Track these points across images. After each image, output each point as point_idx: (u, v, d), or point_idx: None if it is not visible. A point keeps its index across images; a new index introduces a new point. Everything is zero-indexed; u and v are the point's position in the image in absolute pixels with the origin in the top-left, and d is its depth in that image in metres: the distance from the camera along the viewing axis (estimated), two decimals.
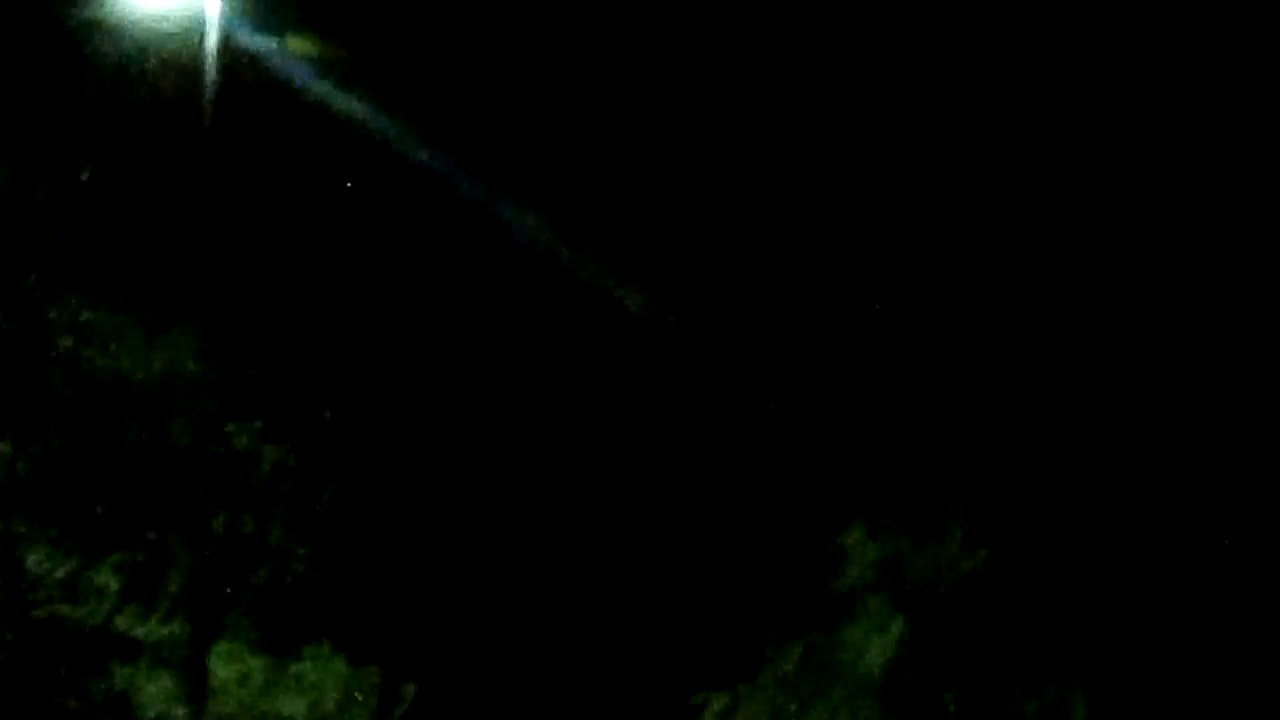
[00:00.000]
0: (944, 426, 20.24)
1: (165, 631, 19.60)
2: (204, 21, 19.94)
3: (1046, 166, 21.65)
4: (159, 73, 21.41)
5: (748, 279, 21.27)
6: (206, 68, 20.03)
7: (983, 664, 20.07)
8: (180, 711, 19.34)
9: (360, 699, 19.39)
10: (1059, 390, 20.80)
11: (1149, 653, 20.54)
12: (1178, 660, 20.24)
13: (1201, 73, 21.40)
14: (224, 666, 19.68)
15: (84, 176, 19.95)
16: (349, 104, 22.09)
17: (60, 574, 19.37)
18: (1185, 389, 20.79)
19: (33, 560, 19.30)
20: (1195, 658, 20.25)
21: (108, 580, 19.58)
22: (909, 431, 19.96)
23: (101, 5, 21.00)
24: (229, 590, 19.26)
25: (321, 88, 22.23)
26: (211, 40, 20.09)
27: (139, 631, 19.52)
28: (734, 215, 21.62)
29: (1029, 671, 19.95)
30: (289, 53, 22.27)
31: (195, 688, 19.60)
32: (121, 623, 19.57)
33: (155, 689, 19.53)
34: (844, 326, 20.88)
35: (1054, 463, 20.79)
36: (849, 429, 19.92)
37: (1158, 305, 20.94)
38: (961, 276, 21.16)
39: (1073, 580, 20.63)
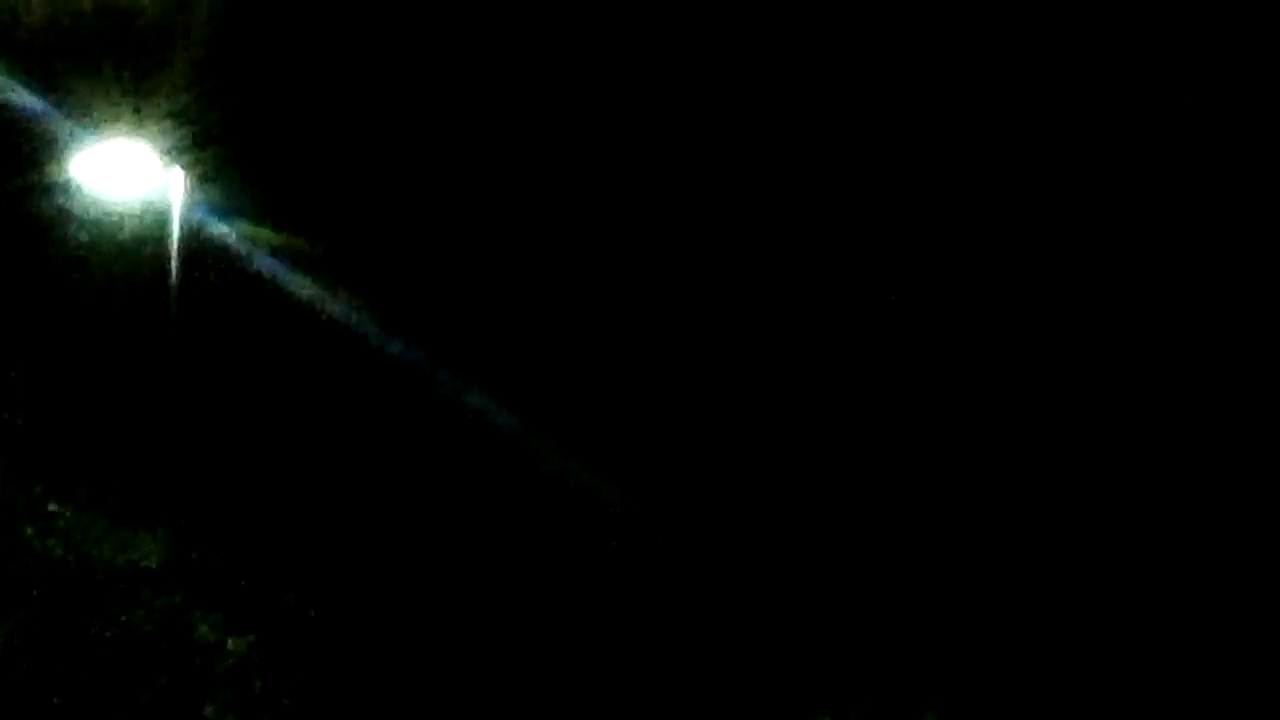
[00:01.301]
0: (917, 615, 20.41)
1: None
2: (167, 212, 20.41)
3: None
4: (124, 263, 21.82)
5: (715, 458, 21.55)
6: (171, 257, 20.43)
7: None
8: None
9: None
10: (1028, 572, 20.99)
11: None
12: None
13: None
14: None
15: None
16: (312, 291, 22.49)
17: None
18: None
19: None
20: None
21: None
22: (880, 618, 20.12)
23: (67, 196, 21.43)
24: None
25: (285, 275, 22.64)
26: (175, 230, 20.52)
27: None
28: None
29: None
30: (251, 241, 22.73)
31: None
32: None
33: None
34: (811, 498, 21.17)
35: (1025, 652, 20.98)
36: (817, 616, 20.08)
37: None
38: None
39: None
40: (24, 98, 21.62)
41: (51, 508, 19.87)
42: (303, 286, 22.23)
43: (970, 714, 19.67)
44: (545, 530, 20.85)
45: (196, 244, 20.99)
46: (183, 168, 20.22)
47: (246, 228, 22.32)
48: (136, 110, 21.24)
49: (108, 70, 21.60)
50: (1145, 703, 20.29)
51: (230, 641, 19.71)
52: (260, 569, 19.77)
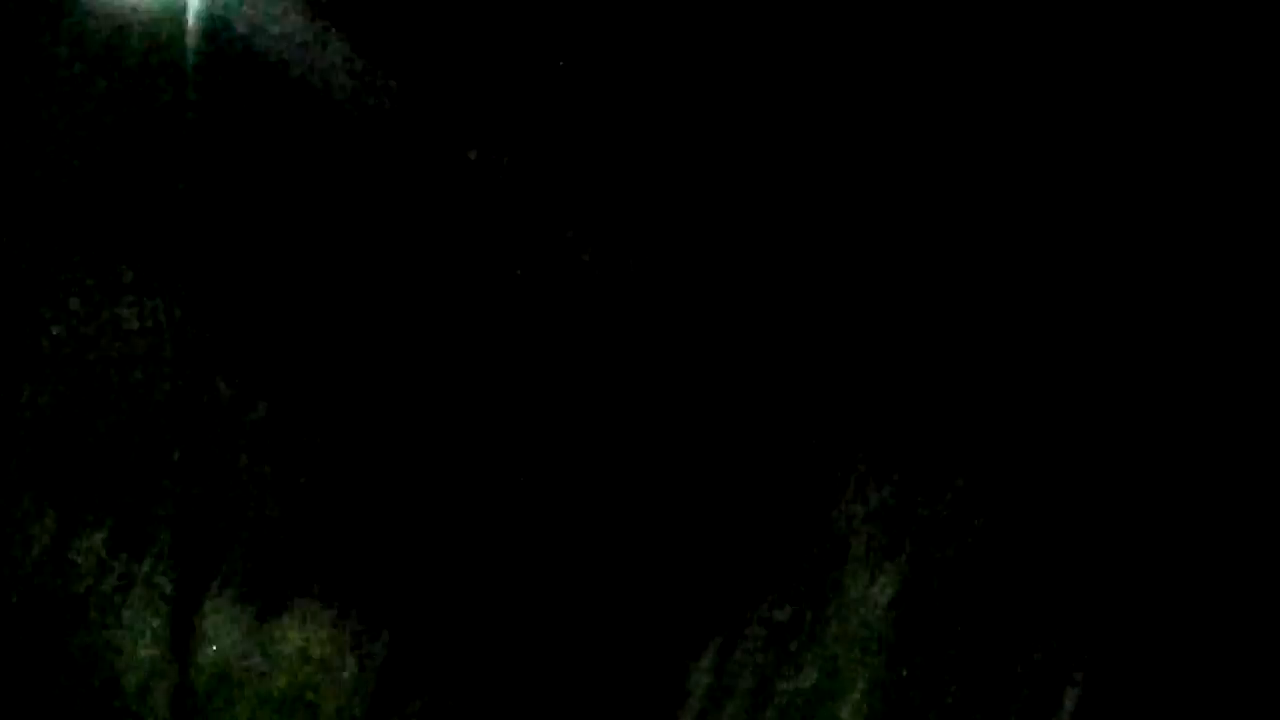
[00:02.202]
0: (950, 371, 20.25)
1: (155, 579, 19.63)
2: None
3: None
4: (140, 46, 21.73)
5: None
6: (188, 39, 20.35)
7: (984, 616, 20.04)
8: (168, 668, 19.29)
9: (344, 651, 19.36)
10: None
11: (1151, 610, 20.52)
12: (1184, 615, 20.22)
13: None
14: (211, 624, 19.67)
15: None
16: (327, 74, 22.37)
17: (45, 539, 19.41)
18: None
19: (12, 526, 19.33)
20: (1203, 614, 20.24)
21: (93, 543, 19.63)
22: (913, 374, 19.96)
23: None
24: (218, 538, 19.32)
25: (300, 57, 22.53)
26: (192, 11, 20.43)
27: (125, 589, 19.57)
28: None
29: (1030, 627, 19.90)
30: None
31: (182, 644, 19.57)
32: (107, 584, 19.61)
33: (142, 647, 19.52)
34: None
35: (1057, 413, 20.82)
36: (849, 372, 19.93)
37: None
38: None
39: (1076, 538, 20.64)
40: None
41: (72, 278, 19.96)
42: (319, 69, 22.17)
43: (999, 475, 19.65)
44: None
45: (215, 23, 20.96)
46: None
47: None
48: None
49: None
50: None
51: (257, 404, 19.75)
52: (282, 334, 19.75)
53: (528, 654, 20.10)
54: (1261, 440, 19.91)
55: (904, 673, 19.16)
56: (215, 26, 20.25)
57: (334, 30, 21.08)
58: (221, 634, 19.22)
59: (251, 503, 19.10)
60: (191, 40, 19.43)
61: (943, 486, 19.89)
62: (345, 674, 19.57)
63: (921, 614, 19.43)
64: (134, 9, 20.58)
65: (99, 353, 19.47)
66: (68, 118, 20.81)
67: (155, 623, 19.03)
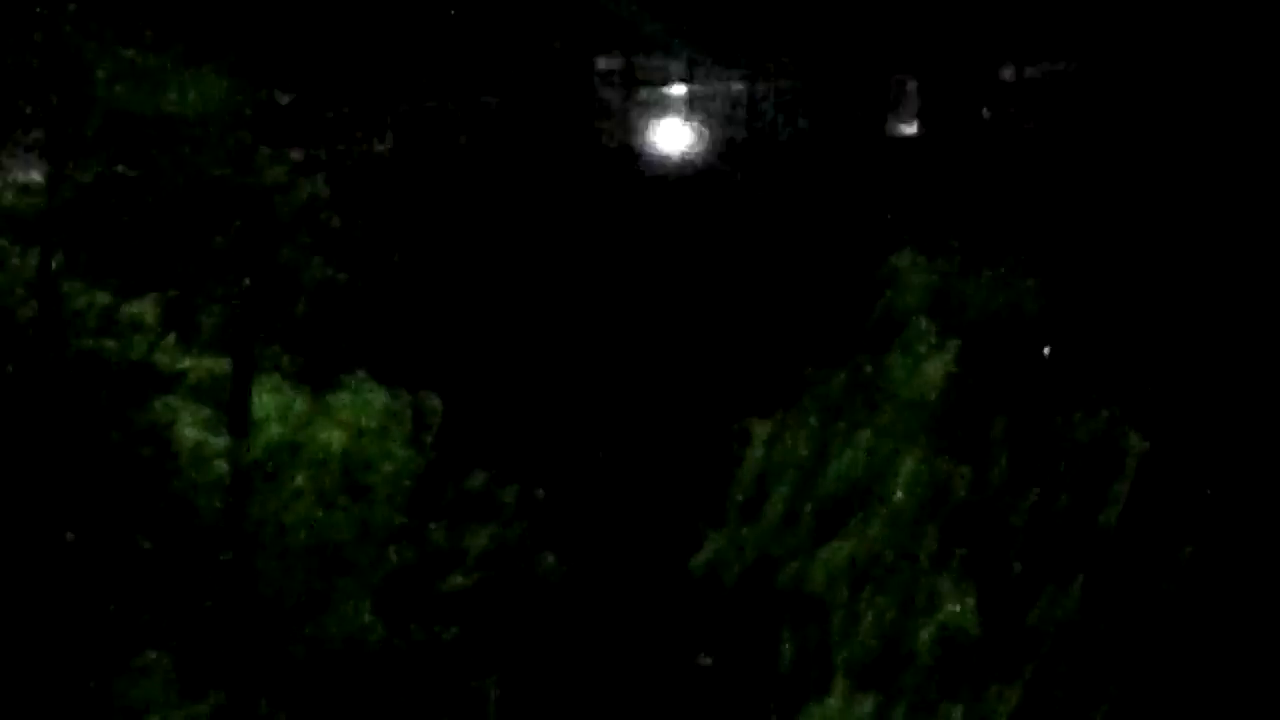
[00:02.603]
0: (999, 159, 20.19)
1: (205, 365, 19.72)
2: None
3: None
4: None
5: None
6: None
7: (1033, 392, 20.01)
8: (221, 443, 19.45)
9: (395, 425, 19.53)
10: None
11: (1203, 377, 20.47)
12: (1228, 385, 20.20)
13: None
14: (264, 398, 19.78)
15: None
16: None
17: (98, 307, 19.46)
18: None
19: (70, 293, 19.38)
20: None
21: (145, 313, 19.67)
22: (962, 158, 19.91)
23: None
24: (268, 323, 19.39)
25: None
26: None
27: (179, 365, 19.66)
28: None
29: (1080, 399, 19.88)
30: None
31: (236, 420, 19.71)
32: (161, 357, 19.68)
33: (195, 421, 19.64)
34: None
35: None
36: (901, 152, 19.88)
37: None
38: None
39: (1124, 313, 20.56)
40: None
41: (121, 54, 19.74)
42: None
43: (1048, 252, 19.54)
44: None
45: None
46: None
47: None
48: None
49: None
50: None
51: (301, 183, 19.65)
52: (334, 114, 19.65)
53: (579, 429, 20.29)
54: None
55: (953, 447, 19.20)
56: None
57: None
58: (273, 412, 19.36)
59: (302, 279, 19.12)
60: None
61: (994, 269, 19.84)
62: (397, 448, 19.72)
63: (972, 392, 19.42)
64: None
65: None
66: None
67: (208, 401, 19.18)
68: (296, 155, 19.28)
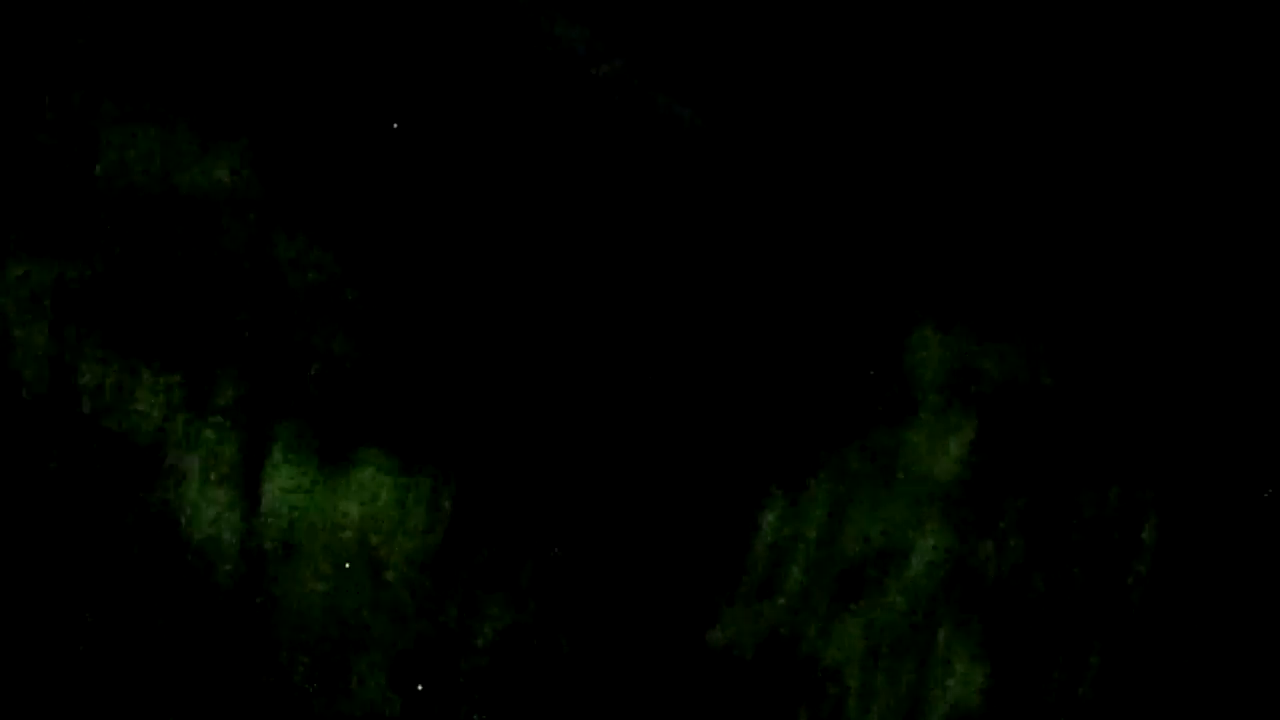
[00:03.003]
0: (1016, 230, 20.07)
1: (220, 441, 19.76)
2: None
3: None
4: None
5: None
6: None
7: (1051, 470, 20.00)
8: (234, 520, 19.45)
9: (411, 502, 19.58)
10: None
11: (1222, 459, 20.36)
12: (1251, 465, 20.07)
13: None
14: (278, 476, 19.80)
15: None
16: None
17: (110, 384, 19.52)
18: None
19: (83, 371, 19.47)
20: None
21: (158, 393, 19.75)
22: (981, 230, 19.80)
23: None
24: (283, 399, 19.45)
25: None
26: None
27: (195, 440, 19.72)
28: None
29: (1097, 477, 19.84)
30: None
31: (249, 497, 19.73)
32: (172, 434, 19.73)
33: (208, 501, 19.67)
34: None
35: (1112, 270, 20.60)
36: (920, 224, 19.78)
37: None
38: None
39: (1143, 389, 20.50)
40: None
41: (133, 129, 19.89)
42: None
43: (1065, 329, 19.53)
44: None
45: None
46: None
47: None
48: None
49: None
50: None
51: (315, 255, 19.70)
52: (343, 188, 19.67)
53: (593, 505, 20.23)
54: None
55: (974, 525, 19.20)
56: None
57: None
58: (288, 490, 19.40)
59: (315, 359, 19.18)
60: None
61: (1013, 342, 19.80)
62: (412, 525, 19.73)
63: (992, 470, 19.39)
64: None
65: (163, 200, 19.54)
66: None
67: (222, 480, 19.23)
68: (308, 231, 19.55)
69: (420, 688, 18.52)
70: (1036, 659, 18.55)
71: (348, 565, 18.34)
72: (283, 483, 18.25)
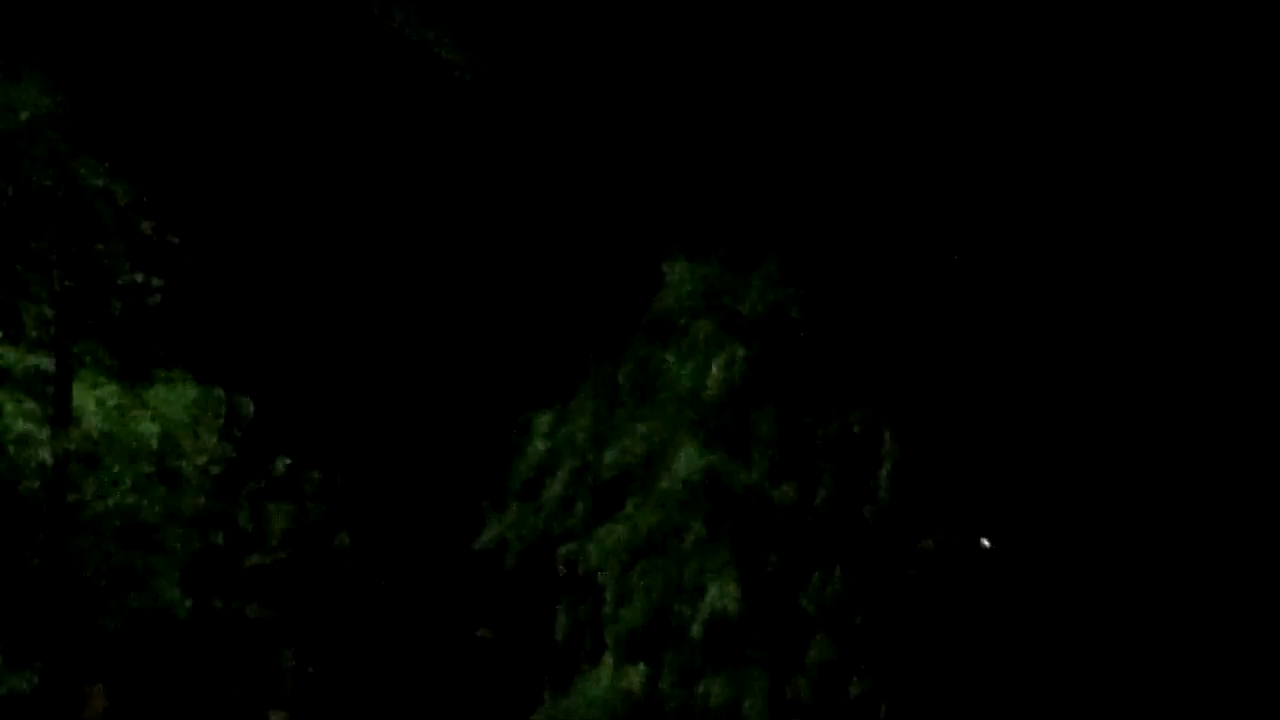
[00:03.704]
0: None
1: (29, 362, 21.22)
2: None
3: None
4: None
5: None
6: None
7: (799, 388, 21.56)
8: (44, 434, 20.96)
9: (207, 418, 21.18)
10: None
11: (959, 391, 21.99)
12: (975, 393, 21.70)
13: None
14: (84, 393, 21.29)
15: None
16: None
17: None
18: None
19: None
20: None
21: None
22: (732, 173, 21.23)
23: None
24: (87, 322, 20.93)
25: None
26: None
27: (4, 361, 21.17)
28: None
29: (842, 399, 21.40)
30: None
31: (59, 412, 21.23)
32: None
33: (20, 412, 21.16)
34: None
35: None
36: (674, 165, 21.22)
37: None
38: None
39: (882, 327, 22.06)
40: None
41: None
42: None
43: (808, 259, 20.99)
44: None
45: None
46: None
47: None
48: None
49: None
50: None
51: (118, 187, 21.15)
52: (144, 119, 21.01)
53: (373, 418, 21.81)
54: None
55: (723, 440, 20.79)
56: None
57: None
58: (96, 399, 20.90)
59: (120, 278, 20.66)
60: None
61: (759, 273, 21.38)
62: (210, 430, 21.28)
63: (745, 390, 20.95)
64: None
65: None
66: None
67: (34, 396, 20.69)
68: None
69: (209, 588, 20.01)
70: (785, 567, 20.14)
71: (146, 476, 19.77)
72: (87, 398, 19.66)
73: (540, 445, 21.38)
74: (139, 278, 20.98)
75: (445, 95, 21.23)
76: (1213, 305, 21.59)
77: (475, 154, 20.98)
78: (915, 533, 20.82)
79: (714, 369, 21.28)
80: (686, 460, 20.96)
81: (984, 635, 21.40)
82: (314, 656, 21.65)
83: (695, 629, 20.33)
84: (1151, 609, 21.69)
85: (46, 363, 21.04)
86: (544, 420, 21.42)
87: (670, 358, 21.18)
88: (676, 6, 21.28)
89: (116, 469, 21.07)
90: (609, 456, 21.12)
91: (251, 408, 21.12)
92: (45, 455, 20.87)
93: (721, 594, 20.59)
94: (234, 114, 21.04)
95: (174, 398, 21.29)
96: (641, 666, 20.04)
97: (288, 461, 21.43)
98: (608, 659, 20.32)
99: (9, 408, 20.84)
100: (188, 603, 20.53)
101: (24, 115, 20.79)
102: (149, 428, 21.21)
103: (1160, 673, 21.16)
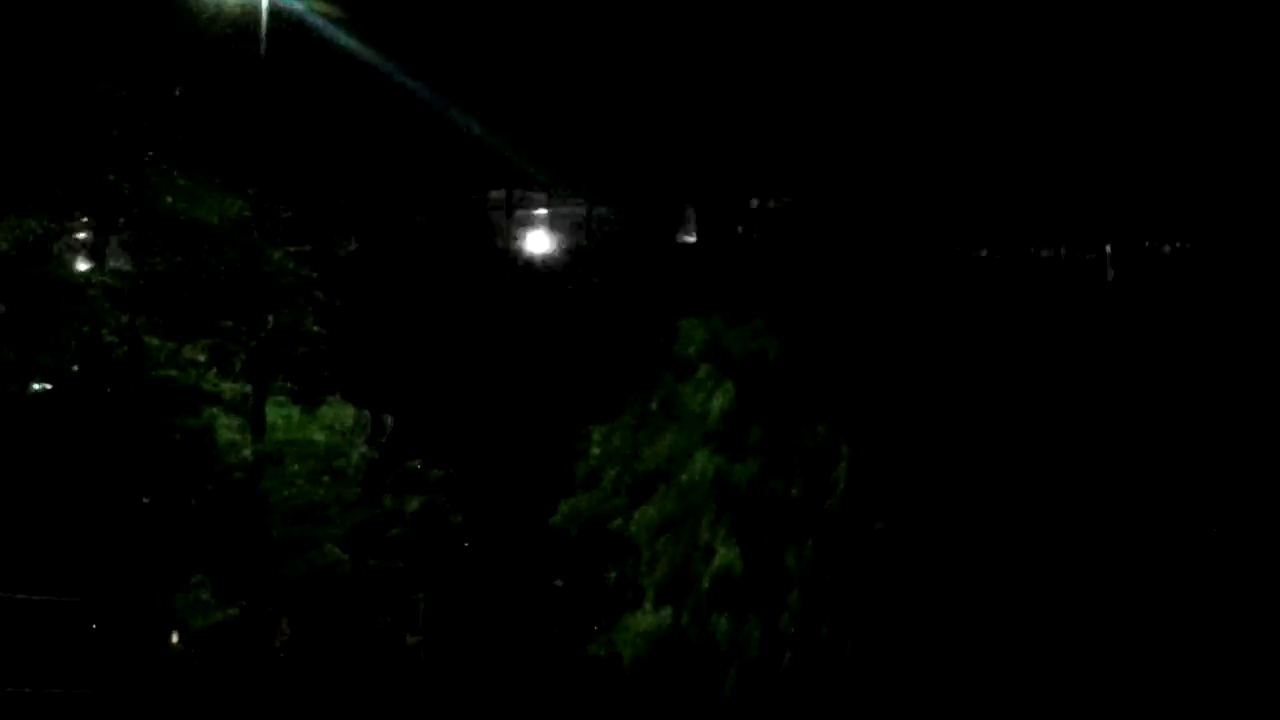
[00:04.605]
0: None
1: (235, 389, 28.60)
2: None
3: None
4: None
5: None
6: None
7: (778, 410, 28.84)
8: (246, 440, 28.34)
9: (360, 430, 28.55)
10: None
11: (895, 412, 29.30)
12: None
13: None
14: (273, 411, 28.80)
15: None
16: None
17: (166, 349, 28.22)
18: None
19: (149, 341, 28.13)
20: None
21: (197, 355, 28.57)
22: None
23: None
24: (276, 361, 28.18)
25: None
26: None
27: (218, 389, 28.50)
28: None
29: (809, 417, 28.75)
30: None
31: (256, 425, 28.68)
32: (206, 384, 28.57)
33: (230, 426, 28.62)
34: None
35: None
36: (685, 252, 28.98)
37: None
38: None
39: (837, 360, 29.34)
40: None
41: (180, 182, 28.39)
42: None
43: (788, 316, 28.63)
44: None
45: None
46: None
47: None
48: None
49: None
50: None
51: (296, 268, 28.51)
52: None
53: (485, 434, 29.56)
54: None
55: (724, 448, 28.11)
56: None
57: None
58: (282, 416, 28.43)
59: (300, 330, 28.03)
60: None
61: (750, 325, 28.90)
62: (360, 443, 28.89)
63: (736, 416, 28.29)
64: None
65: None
66: None
67: (238, 413, 28.05)
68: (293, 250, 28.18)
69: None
70: (772, 541, 27.52)
71: (317, 471, 27.30)
72: (275, 416, 27.27)
73: (596, 450, 28.40)
74: (314, 329, 28.42)
75: None
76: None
77: None
78: (869, 516, 28.10)
79: (714, 399, 28.80)
80: (700, 463, 28.17)
81: (921, 591, 28.63)
82: (438, 599, 29.05)
83: (705, 582, 27.38)
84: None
85: (247, 389, 28.46)
86: (598, 433, 28.54)
87: (686, 390, 28.47)
88: None
89: (296, 466, 28.00)
90: (644, 459, 28.51)
91: (391, 423, 28.55)
92: (247, 455, 28.19)
93: (726, 557, 27.77)
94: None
95: (337, 415, 28.68)
96: (668, 609, 26.49)
97: (418, 463, 28.86)
98: (645, 603, 26.73)
99: (222, 421, 27.97)
100: (348, 560, 27.95)
101: (225, 216, 28.07)
102: (319, 436, 28.37)
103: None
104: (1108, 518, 29.05)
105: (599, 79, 34.32)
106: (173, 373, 26.54)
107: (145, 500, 27.19)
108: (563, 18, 33.89)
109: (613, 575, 27.76)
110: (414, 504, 27.94)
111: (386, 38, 31.41)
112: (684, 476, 27.81)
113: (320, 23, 29.93)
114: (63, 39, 27.23)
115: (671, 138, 34.54)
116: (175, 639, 26.93)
